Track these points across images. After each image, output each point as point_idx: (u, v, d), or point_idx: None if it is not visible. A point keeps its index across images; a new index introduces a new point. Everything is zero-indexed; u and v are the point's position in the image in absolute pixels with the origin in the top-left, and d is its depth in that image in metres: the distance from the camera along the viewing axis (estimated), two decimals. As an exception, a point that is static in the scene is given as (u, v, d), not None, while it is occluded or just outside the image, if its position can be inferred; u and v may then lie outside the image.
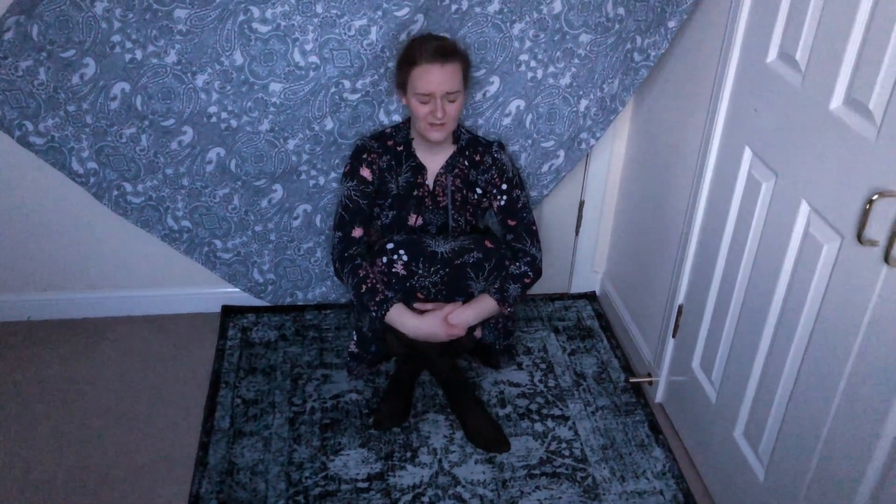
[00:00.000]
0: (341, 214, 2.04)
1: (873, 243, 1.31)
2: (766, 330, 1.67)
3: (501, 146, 2.08)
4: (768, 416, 1.68)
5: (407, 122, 2.08)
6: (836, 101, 1.41)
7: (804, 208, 1.52)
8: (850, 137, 1.36)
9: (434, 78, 1.88)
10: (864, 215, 1.30)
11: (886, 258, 1.27)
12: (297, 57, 2.00)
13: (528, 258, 2.04)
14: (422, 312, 2.00)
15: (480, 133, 2.18)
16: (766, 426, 1.69)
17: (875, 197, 1.28)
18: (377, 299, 1.95)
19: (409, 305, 2.00)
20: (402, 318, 1.96)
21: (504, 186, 2.04)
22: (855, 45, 1.36)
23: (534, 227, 2.08)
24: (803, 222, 1.53)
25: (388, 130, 2.07)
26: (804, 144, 1.51)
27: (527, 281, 2.03)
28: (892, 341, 1.28)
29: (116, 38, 1.95)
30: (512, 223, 2.06)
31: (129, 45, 1.97)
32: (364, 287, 1.95)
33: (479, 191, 2.07)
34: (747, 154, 1.72)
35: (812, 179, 1.49)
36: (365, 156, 2.03)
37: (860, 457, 1.37)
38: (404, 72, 1.93)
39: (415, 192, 2.07)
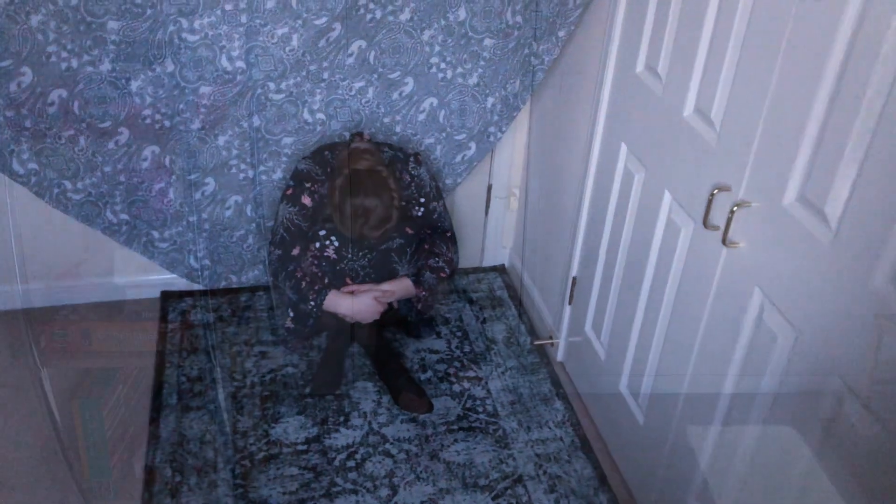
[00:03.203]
0: (283, 235, 2.17)
1: (716, 228, 1.61)
2: (641, 298, 1.98)
3: (418, 160, 2.23)
4: (645, 371, 1.99)
5: (345, 146, 2.20)
6: (688, 110, 1.71)
7: (667, 198, 1.82)
8: (698, 141, 1.66)
9: None
10: (709, 205, 1.60)
11: (724, 241, 1.57)
12: (225, 63, 2.17)
13: (447, 258, 2.27)
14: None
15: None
16: (643, 379, 2.01)
17: (715, 191, 1.58)
18: (315, 287, 2.17)
19: (337, 288, 2.22)
20: (337, 301, 2.19)
21: (422, 200, 2.24)
22: (701, 62, 1.64)
23: (448, 234, 2.28)
24: (666, 209, 1.83)
25: (327, 154, 2.20)
26: (665, 144, 1.80)
27: (442, 275, 2.27)
28: (731, 308, 1.60)
29: (52, 48, 2.08)
30: (429, 231, 2.27)
31: (64, 54, 2.10)
32: (303, 284, 2.16)
33: (403, 203, 2.25)
34: (623, 150, 2.01)
35: (672, 174, 1.78)
36: (308, 185, 2.15)
37: (712, 399, 1.69)
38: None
39: None
